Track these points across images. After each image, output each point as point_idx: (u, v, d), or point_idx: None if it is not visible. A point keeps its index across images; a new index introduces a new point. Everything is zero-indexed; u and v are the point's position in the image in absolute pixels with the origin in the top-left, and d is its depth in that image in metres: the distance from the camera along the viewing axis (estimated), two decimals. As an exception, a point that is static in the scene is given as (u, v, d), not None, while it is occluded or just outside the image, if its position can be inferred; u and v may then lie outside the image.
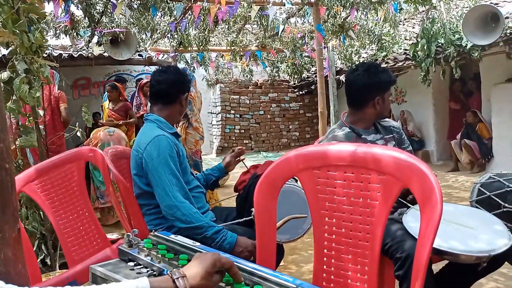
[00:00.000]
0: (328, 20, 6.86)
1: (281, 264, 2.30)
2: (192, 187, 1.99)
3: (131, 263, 1.11)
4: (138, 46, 6.86)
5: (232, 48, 8.01)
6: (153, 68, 7.22)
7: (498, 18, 4.93)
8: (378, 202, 1.21)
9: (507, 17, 5.20)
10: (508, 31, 5.03)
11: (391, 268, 1.60)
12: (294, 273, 2.94)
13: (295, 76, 10.43)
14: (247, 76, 10.45)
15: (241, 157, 2.29)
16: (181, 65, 8.17)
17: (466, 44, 5.50)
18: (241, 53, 8.25)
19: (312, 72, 9.78)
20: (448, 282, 1.79)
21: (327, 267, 1.30)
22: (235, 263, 0.97)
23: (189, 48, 7.68)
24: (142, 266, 1.09)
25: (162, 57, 8.01)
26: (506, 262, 1.75)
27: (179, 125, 4.10)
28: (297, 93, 11.28)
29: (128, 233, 1.18)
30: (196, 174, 2.25)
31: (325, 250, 1.31)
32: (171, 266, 1.04)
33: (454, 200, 4.82)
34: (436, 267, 1.76)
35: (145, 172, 1.86)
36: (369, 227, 1.22)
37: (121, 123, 5.45)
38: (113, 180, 2.03)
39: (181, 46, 7.58)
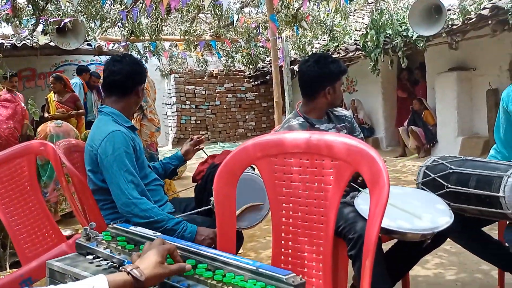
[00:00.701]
0: (282, 11, 6.94)
1: (240, 251, 2.34)
2: (149, 180, 1.97)
3: (90, 257, 1.10)
4: (86, 35, 6.61)
5: (186, 37, 7.91)
6: (103, 58, 6.99)
7: (441, 10, 5.20)
8: (331, 186, 1.28)
9: (449, 9, 5.50)
10: (450, 23, 5.32)
11: (345, 248, 1.68)
12: (253, 260, 3.01)
13: (250, 66, 10.47)
14: (202, 66, 10.36)
15: (201, 146, 2.29)
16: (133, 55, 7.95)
17: (412, 35, 5.76)
18: (195, 43, 8.16)
19: (267, 62, 9.85)
20: (396, 259, 1.91)
21: (285, 250, 1.36)
22: (196, 249, 1.00)
23: (141, 38, 7.50)
24: (101, 258, 1.08)
25: (113, 46, 7.77)
26: (448, 239, 1.90)
27: (134, 117, 4.02)
28: (252, 83, 11.32)
29: (86, 227, 1.17)
30: (153, 163, 2.23)
31: (283, 234, 1.37)
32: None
33: (402, 183, 5.08)
34: (386, 246, 1.88)
35: (100, 169, 1.82)
36: (324, 210, 1.28)
37: (73, 113, 5.27)
38: (66, 174, 1.98)
39: (132, 35, 7.39)
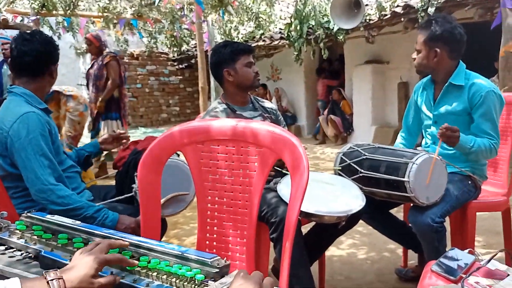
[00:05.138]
0: (208, -6, 6.84)
1: (163, 239, 2.32)
2: (66, 167, 1.87)
3: (2, 247, 1.03)
4: (-10, 5, 5.95)
5: (105, 14, 7.47)
6: (10, 33, 6.35)
7: (360, 5, 5.49)
8: (256, 173, 1.32)
9: (367, 5, 5.82)
10: (368, 18, 5.65)
11: (267, 232, 1.76)
12: (177, 246, 2.99)
13: (175, 49, 10.22)
14: (121, 46, 9.87)
15: (122, 141, 2.19)
16: (44, 31, 7.35)
17: (333, 27, 6.01)
18: (115, 21, 7.75)
19: (192, 46, 9.68)
20: (315, 240, 2.04)
21: (210, 235, 1.38)
22: (119, 237, 0.98)
23: (54, 12, 6.93)
24: (15, 249, 1.02)
25: (21, 20, 7.09)
26: (361, 220, 2.06)
27: (62, 104, 3.75)
28: (177, 67, 11.07)
29: (-5, 216, 1.08)
30: (68, 152, 2.11)
31: (208, 220, 1.39)
32: (48, 247, 1.00)
33: (321, 170, 5.36)
34: (305, 229, 1.99)
35: (10, 153, 1.68)
36: (248, 195, 1.32)
37: None
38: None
39: (44, 9, 6.80)
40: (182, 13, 8.04)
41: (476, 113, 1.96)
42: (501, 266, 1.30)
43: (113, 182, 2.14)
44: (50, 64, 1.84)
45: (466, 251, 1.38)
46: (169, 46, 10.16)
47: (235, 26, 8.28)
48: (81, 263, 0.80)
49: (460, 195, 1.96)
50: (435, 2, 4.76)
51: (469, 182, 2.03)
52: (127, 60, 10.49)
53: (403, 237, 2.27)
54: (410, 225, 1.97)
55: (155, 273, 0.87)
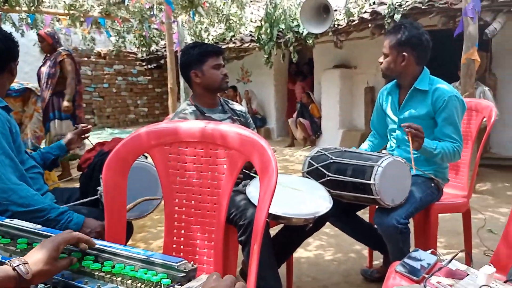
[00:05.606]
0: (178, -6, 6.77)
1: (129, 243, 2.27)
2: (28, 167, 1.79)
3: (-46, 253, 0.97)
4: None
5: (71, 12, 7.26)
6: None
7: (329, 10, 5.58)
8: (224, 175, 1.31)
9: (336, 10, 5.92)
10: (336, 23, 5.75)
11: (235, 234, 1.75)
12: (143, 249, 2.94)
13: (143, 49, 10.05)
14: (88, 44, 9.62)
15: (87, 135, 2.16)
16: (6, 27, 7.06)
17: (303, 31, 6.08)
18: (82, 19, 7.54)
19: (162, 46, 9.56)
20: (283, 242, 2.05)
21: (177, 239, 1.36)
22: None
23: (17, 8, 6.68)
24: (-31, 255, 0.97)
25: (-19, 15, 6.79)
26: (328, 222, 2.08)
27: (31, 102, 3.61)
28: (145, 67, 10.89)
29: None
30: (31, 153, 2.03)
31: (175, 223, 1.37)
32: (7, 252, 0.96)
33: (289, 172, 5.40)
34: (273, 231, 2.00)
35: None
36: (216, 198, 1.31)
37: None
38: None
39: (6, 4, 6.53)
40: (152, 13, 7.93)
41: (439, 117, 2.02)
42: (461, 266, 1.35)
43: (77, 185, 2.07)
44: (10, 61, 1.78)
45: (429, 251, 1.42)
46: (137, 45, 9.98)
47: (206, 27, 8.23)
48: (43, 246, 0.85)
49: (423, 197, 2.02)
50: (401, 9, 4.91)
51: (432, 184, 2.10)
52: (93, 59, 10.24)
53: (369, 239, 2.32)
54: (375, 226, 2.01)
55: (119, 278, 0.85)
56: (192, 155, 1.35)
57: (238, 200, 1.80)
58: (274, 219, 1.71)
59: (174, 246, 1.36)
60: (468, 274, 1.29)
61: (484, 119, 2.37)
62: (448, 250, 2.77)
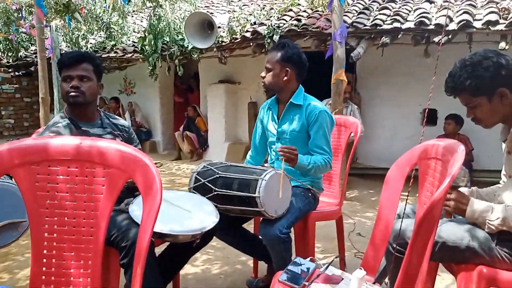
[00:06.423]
0: (51, -3, 6.25)
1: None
2: None
3: None
4: None
5: None
6: None
7: (213, 26, 5.67)
8: (103, 195, 1.22)
9: (219, 27, 6.05)
10: (220, 40, 5.87)
11: (117, 257, 1.64)
12: (7, 282, 2.58)
13: (10, 54, 8.98)
14: None
15: None
16: None
17: (188, 45, 6.08)
18: None
19: (32, 52, 8.67)
20: (170, 261, 1.98)
21: (47, 269, 1.22)
22: None
23: None
24: None
25: None
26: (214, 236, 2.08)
27: None
28: (12, 74, 9.72)
29: None
30: None
31: (45, 251, 1.23)
32: None
33: (176, 186, 5.30)
34: (159, 249, 1.92)
35: None
36: (94, 221, 1.21)
37: None
38: None
39: None
40: (20, 15, 7.15)
41: (312, 130, 2.20)
42: (336, 271, 1.46)
43: None
44: None
45: (308, 259, 1.51)
46: (2, 50, 8.89)
47: (83, 34, 7.71)
48: None
49: (302, 207, 2.16)
50: (279, 31, 5.26)
51: (310, 194, 2.25)
52: None
53: (254, 250, 2.38)
54: (260, 237, 2.07)
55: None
56: (65, 174, 1.23)
57: (120, 220, 1.70)
58: (159, 237, 1.65)
59: (44, 277, 1.21)
60: (342, 279, 1.40)
61: (352, 134, 2.63)
62: (324, 254, 2.99)
